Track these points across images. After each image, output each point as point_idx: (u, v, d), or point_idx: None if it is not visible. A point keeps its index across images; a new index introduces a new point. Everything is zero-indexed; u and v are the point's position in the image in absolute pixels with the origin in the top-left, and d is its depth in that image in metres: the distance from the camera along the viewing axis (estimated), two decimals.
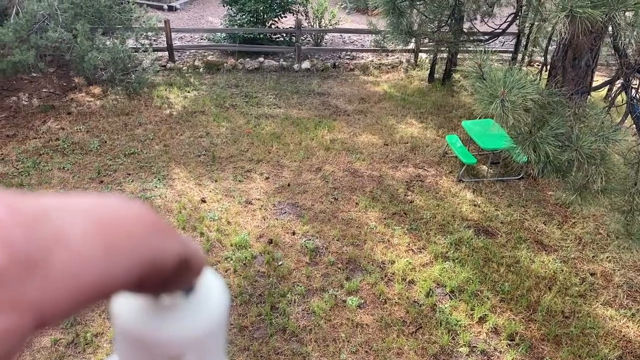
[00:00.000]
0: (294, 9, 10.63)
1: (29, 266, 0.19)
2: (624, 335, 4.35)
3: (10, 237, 0.19)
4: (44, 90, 8.33)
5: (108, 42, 7.53)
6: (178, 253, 0.27)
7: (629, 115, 3.98)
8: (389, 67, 10.24)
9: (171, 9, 13.72)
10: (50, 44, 6.97)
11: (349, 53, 10.96)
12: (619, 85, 4.26)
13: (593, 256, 5.20)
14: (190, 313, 0.30)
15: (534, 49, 9.52)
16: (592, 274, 4.98)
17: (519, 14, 6.11)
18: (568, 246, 5.32)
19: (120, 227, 0.23)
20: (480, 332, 4.30)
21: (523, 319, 4.44)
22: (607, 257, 5.18)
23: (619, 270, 5.04)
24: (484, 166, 6.64)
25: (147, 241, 0.25)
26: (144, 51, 8.35)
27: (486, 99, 3.02)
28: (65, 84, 8.52)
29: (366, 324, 4.30)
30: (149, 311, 0.30)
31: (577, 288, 4.77)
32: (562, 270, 4.98)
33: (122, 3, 8.01)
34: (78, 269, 0.21)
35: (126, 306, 0.30)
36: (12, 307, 0.19)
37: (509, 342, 4.23)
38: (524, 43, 9.68)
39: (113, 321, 0.30)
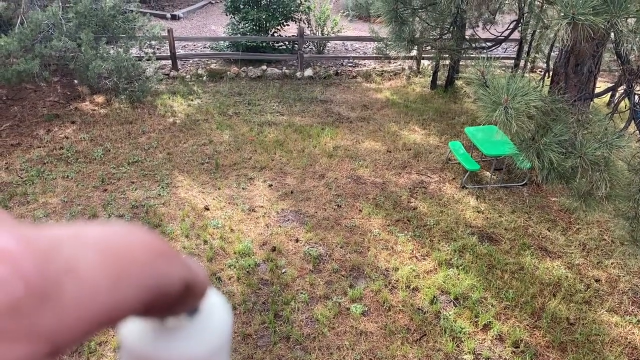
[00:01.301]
0: (296, 17, 10.68)
1: (42, 297, 0.20)
2: (629, 342, 4.32)
3: (25, 269, 0.20)
4: (48, 99, 8.38)
5: (112, 51, 7.58)
6: (183, 277, 0.28)
7: (632, 122, 3.98)
8: (391, 74, 10.26)
9: (174, 17, 13.80)
10: (55, 53, 7.02)
11: (351, 60, 10.99)
12: (622, 91, 4.26)
13: (598, 262, 5.18)
14: (195, 333, 0.31)
15: (536, 55, 9.54)
16: (597, 280, 4.96)
17: (521, 20, 6.12)
18: (572, 252, 5.30)
19: (127, 256, 0.24)
20: (484, 339, 4.28)
21: (528, 326, 4.42)
22: (612, 264, 5.16)
23: (624, 276, 5.02)
24: (487, 172, 6.63)
25: (153, 268, 0.25)
26: (148, 60, 8.40)
27: (489, 106, 3.03)
28: (69, 93, 8.57)
29: (370, 332, 4.29)
30: (155, 332, 0.30)
31: (582, 294, 4.75)
32: (567, 277, 4.96)
33: (125, 12, 8.06)
34: (88, 298, 0.22)
35: (133, 327, 0.31)
36: (28, 337, 0.20)
37: (514, 349, 4.21)
38: (526, 49, 9.70)
39: (120, 341, 0.31)
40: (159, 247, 0.27)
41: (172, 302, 0.28)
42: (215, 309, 0.33)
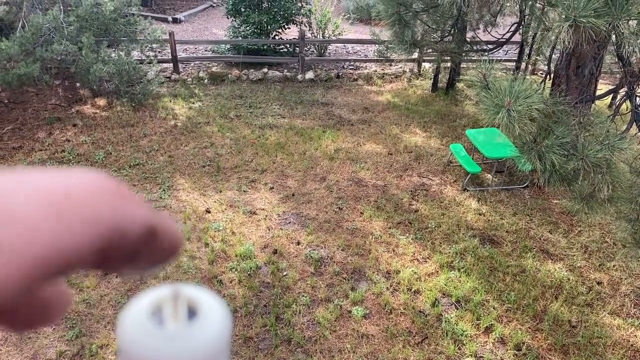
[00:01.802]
0: (297, 20, 10.71)
1: None
2: (632, 345, 4.31)
3: None
4: (49, 102, 8.39)
5: (113, 54, 7.59)
6: (144, 220, 0.25)
7: (634, 124, 3.98)
8: (392, 76, 10.27)
9: (175, 21, 13.83)
10: (56, 57, 7.03)
11: (352, 63, 11.00)
12: (623, 93, 4.26)
13: (599, 265, 5.17)
14: (193, 337, 0.31)
15: (538, 57, 9.54)
16: (598, 283, 4.94)
17: (522, 23, 6.13)
18: (574, 255, 5.29)
19: (73, 194, 0.22)
20: (486, 342, 4.27)
21: (530, 328, 4.41)
22: (613, 266, 5.15)
23: (626, 279, 5.01)
24: (489, 175, 6.63)
25: (106, 208, 0.23)
26: (149, 63, 8.41)
27: (492, 109, 3.03)
28: (70, 96, 8.58)
29: (372, 335, 4.28)
30: (154, 335, 0.30)
31: (583, 297, 4.74)
32: (569, 279, 4.95)
33: (127, 15, 8.08)
34: (27, 241, 0.20)
35: (131, 330, 0.31)
36: None
37: (516, 352, 4.20)
38: (527, 52, 9.70)
39: (118, 344, 0.31)
40: (114, 187, 0.24)
41: (133, 248, 0.25)
42: (214, 312, 0.33)
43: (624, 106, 4.37)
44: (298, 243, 5.31)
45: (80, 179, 0.23)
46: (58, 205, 0.21)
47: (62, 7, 7.48)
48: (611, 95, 6.64)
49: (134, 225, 0.25)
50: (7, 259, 0.19)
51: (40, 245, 0.20)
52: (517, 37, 7.41)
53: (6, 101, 8.36)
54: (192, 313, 0.32)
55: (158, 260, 0.29)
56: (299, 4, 10.61)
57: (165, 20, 13.62)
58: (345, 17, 13.07)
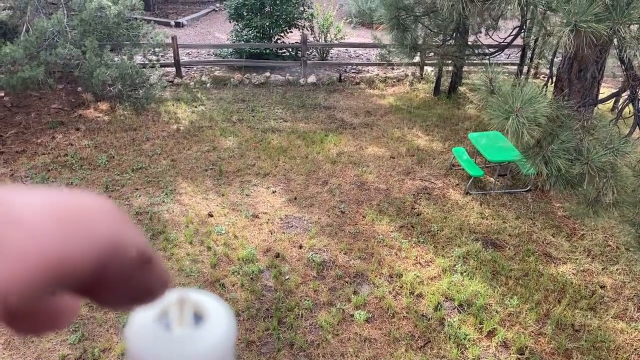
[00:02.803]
0: (299, 24, 10.73)
1: None
2: (635, 349, 4.29)
3: None
4: (52, 106, 8.42)
5: (116, 58, 7.61)
6: (138, 244, 0.26)
7: (637, 127, 3.98)
8: (394, 80, 10.28)
9: (178, 25, 13.87)
10: (60, 61, 7.05)
11: (354, 67, 11.02)
12: (626, 97, 4.26)
13: (603, 268, 5.16)
14: (199, 341, 0.32)
15: (540, 61, 9.54)
16: (602, 287, 4.93)
17: (524, 27, 6.13)
18: (577, 258, 5.28)
19: (77, 210, 0.23)
20: (489, 346, 4.27)
21: (533, 332, 4.40)
22: (617, 270, 5.14)
23: (629, 282, 5.00)
24: (491, 178, 6.63)
25: (106, 224, 0.24)
26: (152, 67, 8.43)
27: (501, 115, 3.03)
28: (73, 100, 8.61)
29: (374, 339, 4.28)
30: (160, 339, 0.31)
31: (587, 301, 4.73)
32: (572, 283, 4.94)
33: (130, 20, 8.11)
34: (32, 246, 0.21)
35: (138, 334, 0.31)
36: None
37: (519, 356, 4.19)
38: (530, 55, 9.70)
39: (126, 348, 0.32)
40: (115, 211, 0.25)
41: (126, 271, 0.26)
42: (219, 317, 0.34)
43: (626, 110, 4.37)
44: (300, 247, 5.32)
45: (83, 198, 0.24)
46: (63, 218, 0.22)
47: (65, 11, 7.51)
48: (614, 99, 6.64)
49: (130, 246, 0.25)
50: (14, 260, 0.20)
51: (45, 250, 0.21)
52: (519, 41, 7.41)
53: (9, 105, 8.39)
54: (197, 318, 0.33)
55: (148, 292, 0.29)
56: (302, 8, 10.64)
57: (168, 25, 13.66)
58: (348, 20, 13.09)
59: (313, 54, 11.27)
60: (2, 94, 8.50)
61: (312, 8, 10.97)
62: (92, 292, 0.26)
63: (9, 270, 0.20)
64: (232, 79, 9.86)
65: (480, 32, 8.27)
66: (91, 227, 0.23)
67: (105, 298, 0.27)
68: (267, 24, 10.18)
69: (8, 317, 0.21)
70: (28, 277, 0.20)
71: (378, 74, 10.50)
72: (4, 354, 4.03)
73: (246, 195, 6.18)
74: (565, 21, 2.81)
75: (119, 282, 0.26)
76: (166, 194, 6.15)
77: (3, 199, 0.21)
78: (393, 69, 10.55)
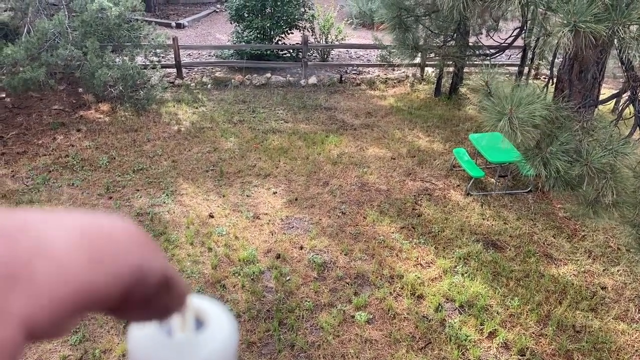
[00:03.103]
0: (300, 25, 10.73)
1: (11, 278, 0.19)
2: (636, 350, 4.29)
3: None
4: (54, 107, 8.43)
5: (117, 59, 7.62)
6: (162, 269, 0.27)
7: (638, 128, 3.97)
8: (395, 81, 10.28)
9: (179, 26, 13.88)
10: (61, 62, 7.07)
11: (355, 68, 11.03)
12: (627, 97, 4.26)
13: (604, 269, 5.15)
14: (201, 347, 0.32)
15: (540, 62, 9.54)
16: (603, 288, 4.93)
17: (525, 28, 6.13)
18: (578, 259, 5.28)
19: (104, 238, 0.24)
20: (490, 347, 4.26)
21: (533, 333, 4.39)
22: (618, 271, 5.14)
23: (630, 283, 4.99)
24: (492, 179, 6.62)
25: (132, 252, 0.25)
26: (153, 68, 8.44)
27: (494, 116, 3.03)
28: (74, 101, 8.62)
29: (375, 340, 4.27)
30: (162, 345, 0.31)
31: (588, 302, 4.72)
32: (573, 284, 4.93)
33: (131, 21, 8.12)
34: (62, 278, 0.21)
35: (140, 339, 0.31)
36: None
37: (520, 357, 4.18)
38: (530, 56, 9.70)
39: (128, 353, 0.32)
40: (139, 235, 0.26)
41: (149, 294, 0.27)
42: (221, 322, 0.34)
43: (627, 111, 4.37)
44: (301, 248, 5.32)
45: (111, 224, 0.25)
46: (92, 247, 0.23)
47: (67, 13, 7.53)
48: (614, 100, 6.63)
49: (154, 272, 0.26)
50: (44, 293, 0.20)
51: (74, 282, 0.21)
52: (519, 42, 7.41)
53: (11, 106, 8.41)
54: (199, 323, 0.33)
55: (167, 310, 0.30)
56: (302, 9, 10.64)
57: (168, 26, 13.67)
58: (348, 22, 13.10)
59: (314, 55, 11.28)
60: (4, 95, 8.51)
61: (312, 9, 10.98)
62: (113, 311, 0.27)
63: (39, 302, 0.20)
64: (233, 80, 9.87)
65: (481, 33, 8.26)
66: (118, 256, 0.24)
67: (124, 315, 0.28)
68: (268, 25, 10.19)
69: (31, 340, 0.21)
70: (57, 309, 0.21)
71: (379, 75, 10.50)
72: None
73: (247, 196, 6.18)
74: (564, 21, 2.80)
75: (141, 304, 0.27)
76: (167, 195, 6.16)
77: (34, 225, 0.22)
78: (394, 70, 10.55)
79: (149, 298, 0.27)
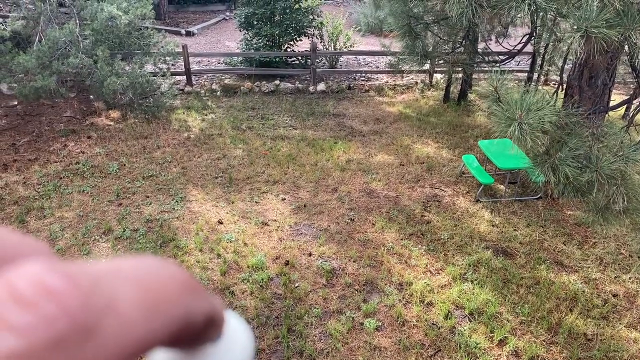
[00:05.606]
0: (309, 32, 10.78)
1: (85, 332, 0.21)
2: None
3: (71, 306, 0.21)
4: (65, 114, 8.51)
5: (127, 67, 7.70)
6: (206, 310, 0.30)
7: None
8: (403, 87, 10.28)
9: (189, 34, 13.99)
10: (72, 70, 7.14)
11: (363, 75, 11.04)
12: (637, 104, 4.23)
13: (615, 277, 5.10)
14: (218, 358, 0.32)
15: (550, 68, 9.50)
16: (614, 295, 4.88)
17: (534, 34, 6.12)
18: (589, 267, 5.23)
19: (160, 290, 0.26)
20: (500, 355, 4.23)
21: (544, 341, 4.35)
22: (629, 278, 5.08)
23: None
24: (502, 186, 6.59)
25: (183, 302, 0.27)
26: (162, 75, 8.51)
27: (504, 122, 3.02)
28: (85, 109, 8.70)
29: (384, 347, 4.25)
30: (178, 356, 0.31)
31: (599, 310, 4.68)
32: (584, 292, 4.88)
33: (141, 29, 8.19)
34: (125, 333, 0.23)
35: (157, 352, 0.32)
36: None
37: None
38: (540, 62, 9.66)
39: None
40: (188, 283, 0.28)
41: (195, 334, 0.30)
42: (237, 333, 0.34)
43: (638, 117, 4.34)
44: (310, 254, 5.31)
45: (165, 274, 0.27)
46: (150, 300, 0.25)
47: (78, 21, 7.61)
48: (625, 106, 6.59)
49: (199, 315, 0.29)
50: (110, 346, 0.22)
51: (134, 336, 0.24)
52: (529, 48, 7.39)
53: (23, 114, 8.50)
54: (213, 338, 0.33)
55: (210, 338, 0.33)
56: (311, 17, 10.69)
57: (178, 34, 13.78)
58: (357, 29, 13.14)
59: (322, 62, 11.31)
60: (15, 103, 8.61)
61: (321, 16, 11.03)
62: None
63: (107, 354, 0.22)
64: (242, 87, 9.91)
65: (490, 40, 8.25)
66: (172, 304, 0.26)
67: (171, 347, 0.31)
68: (277, 32, 10.25)
69: None
70: (119, 359, 0.23)
71: (387, 82, 10.51)
72: None
73: (256, 202, 6.20)
74: (575, 27, 2.80)
75: (185, 341, 0.30)
76: (176, 201, 6.18)
77: (104, 280, 0.24)
78: (402, 76, 10.55)
79: (193, 336, 0.30)
